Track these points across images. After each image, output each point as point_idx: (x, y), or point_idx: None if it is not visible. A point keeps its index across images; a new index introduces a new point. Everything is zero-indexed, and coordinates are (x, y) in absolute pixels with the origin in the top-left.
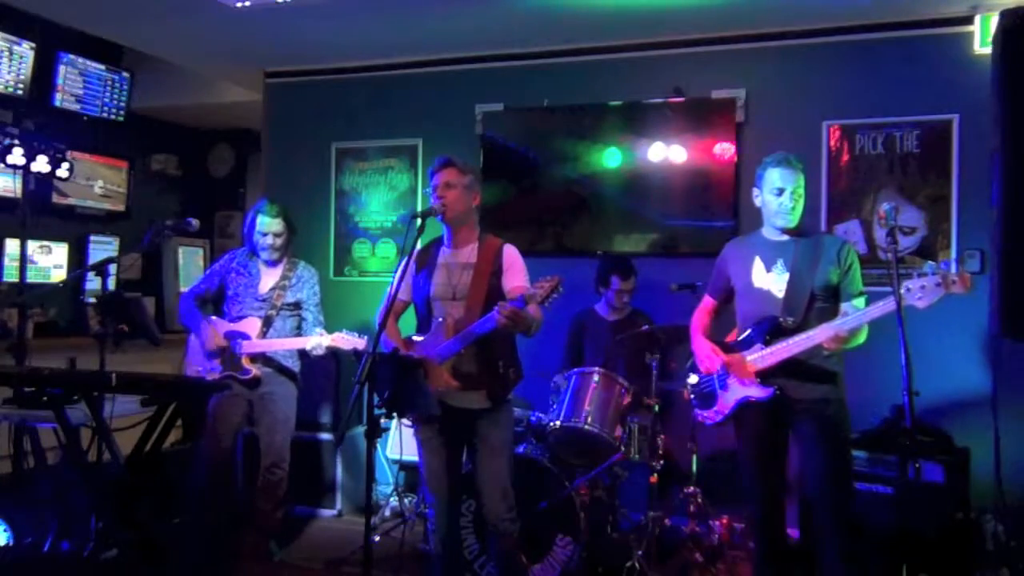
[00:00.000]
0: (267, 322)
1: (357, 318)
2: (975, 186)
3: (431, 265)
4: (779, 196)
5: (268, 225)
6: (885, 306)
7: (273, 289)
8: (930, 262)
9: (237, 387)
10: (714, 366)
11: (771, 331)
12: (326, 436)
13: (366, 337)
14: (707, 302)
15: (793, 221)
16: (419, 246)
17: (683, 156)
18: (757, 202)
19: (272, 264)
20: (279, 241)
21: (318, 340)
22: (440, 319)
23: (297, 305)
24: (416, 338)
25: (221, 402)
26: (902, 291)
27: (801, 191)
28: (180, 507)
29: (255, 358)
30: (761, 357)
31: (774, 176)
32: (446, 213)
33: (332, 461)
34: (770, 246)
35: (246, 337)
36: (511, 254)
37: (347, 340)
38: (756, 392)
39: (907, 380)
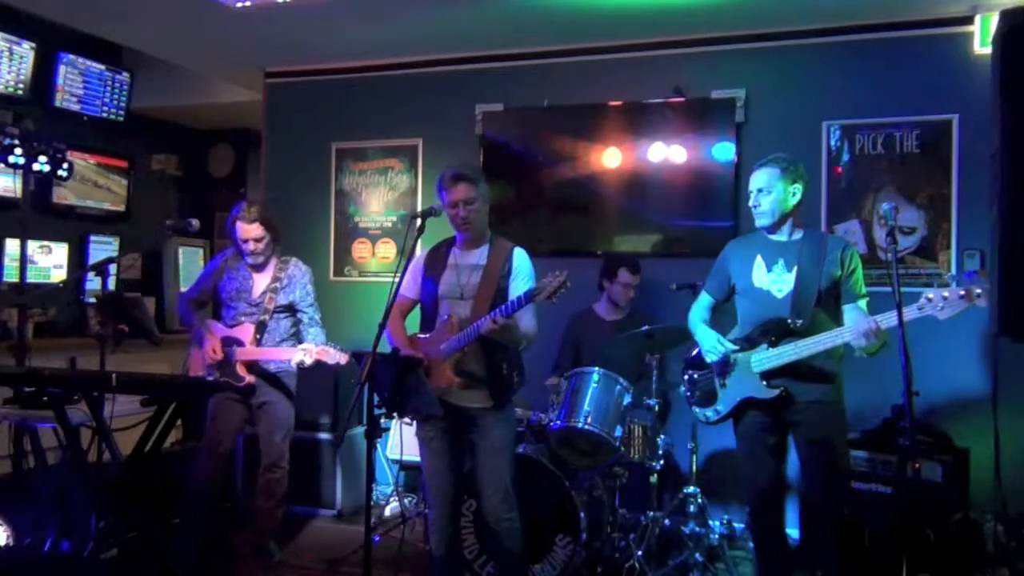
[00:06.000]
0: (260, 328)
1: (356, 318)
2: (975, 186)
3: (442, 266)
4: (751, 198)
5: (247, 231)
6: (910, 313)
7: (264, 293)
8: (951, 273)
9: (234, 392)
10: (719, 358)
11: (778, 332)
12: (325, 436)
13: (349, 352)
14: (704, 299)
15: (763, 220)
16: (420, 246)
17: (683, 156)
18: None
19: (260, 268)
20: (260, 245)
21: (302, 356)
22: (445, 317)
23: (290, 307)
24: (420, 336)
25: (219, 405)
26: (923, 300)
27: (772, 188)
28: (179, 508)
29: (250, 365)
30: (768, 358)
31: (751, 179)
32: (471, 230)
33: (332, 461)
34: (771, 246)
35: (240, 344)
36: (522, 258)
37: (331, 354)
38: (761, 392)
39: (907, 380)
